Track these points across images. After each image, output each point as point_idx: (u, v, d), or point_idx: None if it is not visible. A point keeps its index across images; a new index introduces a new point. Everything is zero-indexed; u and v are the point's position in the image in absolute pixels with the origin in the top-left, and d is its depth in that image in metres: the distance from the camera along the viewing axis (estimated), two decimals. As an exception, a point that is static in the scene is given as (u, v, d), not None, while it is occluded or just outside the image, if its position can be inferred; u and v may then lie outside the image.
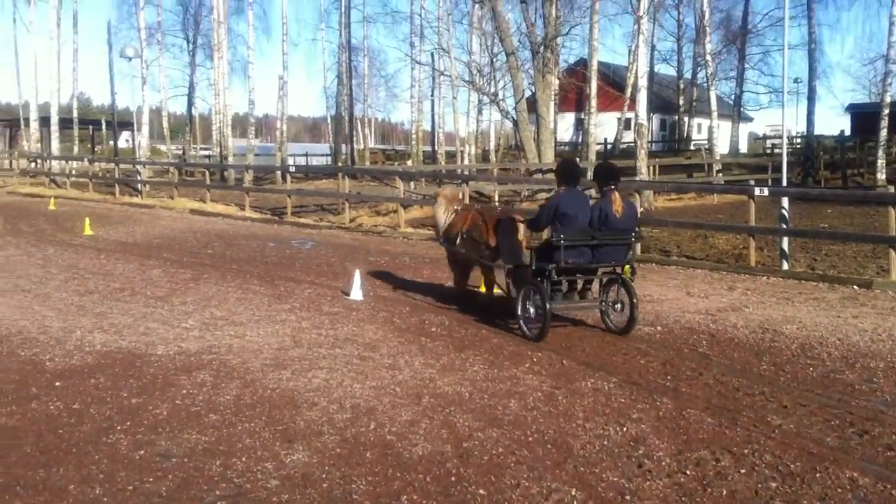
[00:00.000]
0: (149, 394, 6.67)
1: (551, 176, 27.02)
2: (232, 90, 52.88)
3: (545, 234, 9.94)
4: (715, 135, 39.11)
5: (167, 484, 4.97)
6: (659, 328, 9.43)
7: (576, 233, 8.80)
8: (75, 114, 51.52)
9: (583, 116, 54.21)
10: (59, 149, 40.58)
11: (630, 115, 52.62)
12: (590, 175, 10.45)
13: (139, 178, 32.25)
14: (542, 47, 26.21)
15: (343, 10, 48.48)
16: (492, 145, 55.83)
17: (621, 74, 55.94)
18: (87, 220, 19.43)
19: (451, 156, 51.49)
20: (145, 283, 12.10)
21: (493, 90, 29.42)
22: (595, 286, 9.58)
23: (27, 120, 44.68)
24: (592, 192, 10.85)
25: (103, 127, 57.84)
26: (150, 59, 43.66)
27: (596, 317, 9.77)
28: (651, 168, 30.13)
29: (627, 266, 9.17)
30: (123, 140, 71.33)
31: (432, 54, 43.76)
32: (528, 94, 28.59)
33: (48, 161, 38.80)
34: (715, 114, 39.06)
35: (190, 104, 54.51)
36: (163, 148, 63.24)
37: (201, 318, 9.58)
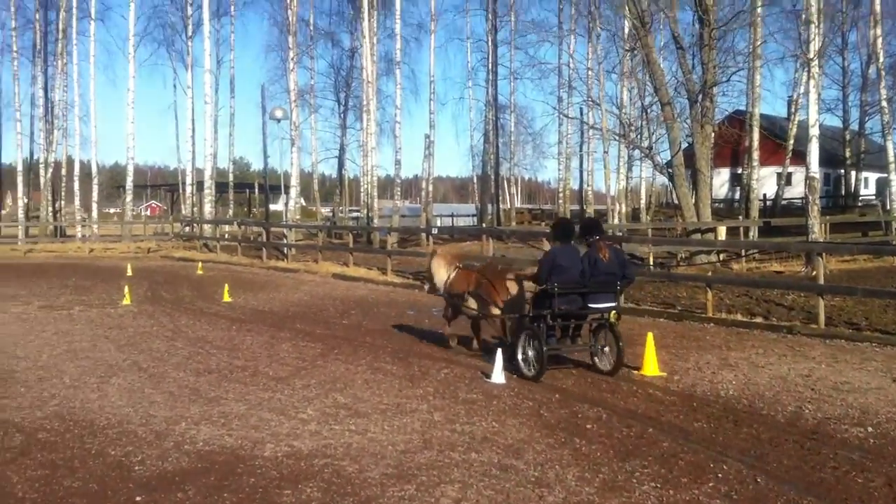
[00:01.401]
0: (242, 516, 5.49)
1: (711, 236, 25.16)
2: (380, 151, 53.09)
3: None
4: (892, 189, 35.82)
5: None
6: (870, 429, 7.60)
7: (567, 282, 9.93)
8: (231, 178, 52.97)
9: (739, 171, 51.40)
10: (211, 212, 41.47)
11: (792, 169, 49.61)
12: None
13: (285, 241, 32.25)
14: (699, 96, 24.41)
15: (490, 66, 48.18)
16: (642, 203, 53.74)
17: (780, 125, 52.91)
18: (227, 287, 19.00)
19: (599, 214, 49.70)
20: (270, 359, 11.15)
21: (646, 144, 27.71)
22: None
23: (184, 185, 46.15)
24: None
25: (256, 190, 59.36)
26: (301, 121, 44.30)
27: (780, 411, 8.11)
28: (822, 226, 27.54)
29: (614, 312, 10.21)
30: (281, 203, 73.32)
31: (580, 108, 42.47)
32: (682, 146, 26.72)
33: (201, 225, 39.63)
34: (893, 166, 35.79)
35: (340, 166, 55.22)
36: (325, 210, 64.38)
37: (322, 407, 8.44)
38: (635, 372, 10.16)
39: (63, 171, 45.36)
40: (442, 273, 12.17)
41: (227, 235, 39.64)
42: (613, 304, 10.29)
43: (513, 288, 10.92)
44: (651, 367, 10.12)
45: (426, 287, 13.34)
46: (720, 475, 6.31)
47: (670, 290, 19.06)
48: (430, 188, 45.78)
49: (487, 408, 8.41)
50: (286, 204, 40.23)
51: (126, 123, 41.81)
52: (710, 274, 17.17)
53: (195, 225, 40.79)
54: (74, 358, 11.14)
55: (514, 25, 49.92)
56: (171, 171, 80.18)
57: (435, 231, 25.91)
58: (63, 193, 46.10)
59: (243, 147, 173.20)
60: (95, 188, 43.92)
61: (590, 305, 10.20)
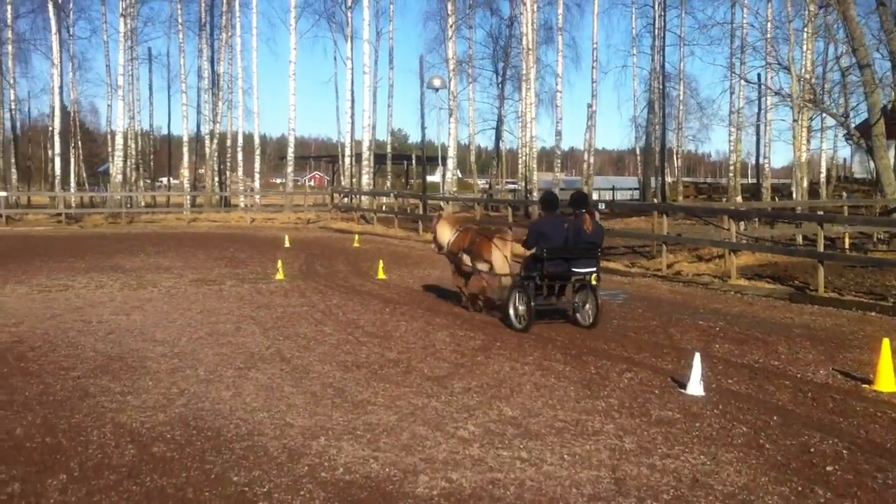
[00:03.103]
0: None
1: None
2: (539, 122, 50.97)
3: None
4: None
5: None
6: None
7: (556, 248, 11.32)
8: (389, 149, 52.59)
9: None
10: (369, 184, 41.03)
11: None
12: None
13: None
14: (905, 57, 21.46)
15: (655, 32, 45.40)
16: (822, 177, 49.54)
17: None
18: (382, 263, 17.98)
19: (774, 190, 46.07)
20: (426, 352, 9.87)
21: (840, 111, 24.79)
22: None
23: (343, 156, 46.05)
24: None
25: (413, 162, 58.93)
26: (458, 91, 43.10)
27: None
28: None
29: (594, 274, 11.50)
30: (438, 175, 72.93)
31: (759, 74, 39.06)
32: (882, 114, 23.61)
33: (359, 196, 39.23)
34: None
35: (497, 138, 53.86)
36: (471, 182, 63.36)
37: (485, 421, 7.03)
38: (867, 387, 8.25)
39: (228, 143, 46.12)
40: (446, 234, 13.57)
41: (384, 207, 39.07)
42: (594, 269, 11.61)
43: (501, 247, 12.28)
44: (888, 381, 8.19)
45: (433, 247, 14.48)
46: None
47: (875, 276, 16.70)
48: (591, 160, 43.64)
49: (689, 432, 6.77)
50: (443, 175, 39.24)
51: (287, 95, 41.93)
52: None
53: (353, 196, 40.50)
54: (215, 343, 10.21)
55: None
56: (334, 144, 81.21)
57: (602, 206, 24.08)
58: (228, 164, 46.95)
59: (401, 119, 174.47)
60: (258, 159, 44.38)
61: (573, 269, 11.55)
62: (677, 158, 55.23)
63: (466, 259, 12.84)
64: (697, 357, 8.16)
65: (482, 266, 12.49)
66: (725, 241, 19.17)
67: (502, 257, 12.24)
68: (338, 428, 6.76)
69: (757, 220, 23.08)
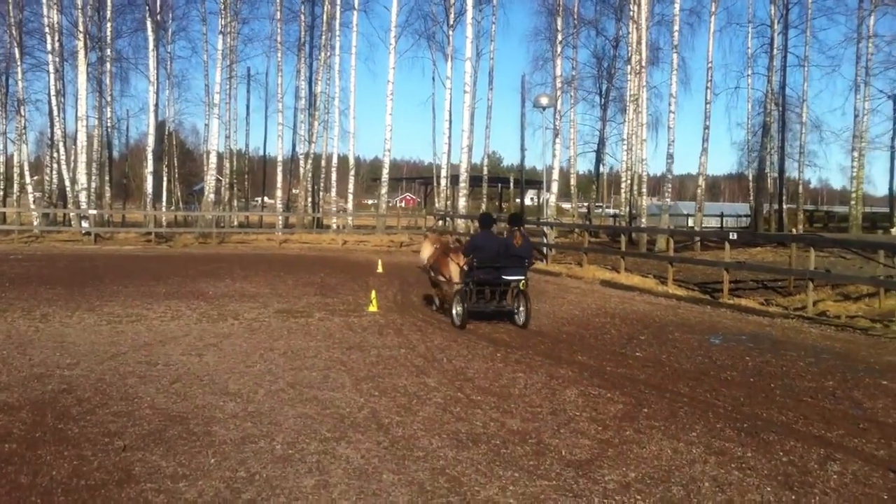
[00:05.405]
0: None
1: None
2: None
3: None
4: None
5: None
6: None
7: (486, 259, 13.64)
8: (485, 171, 50.86)
9: None
10: (465, 207, 39.24)
11: None
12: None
13: (545, 241, 29.07)
14: None
15: (773, 52, 42.53)
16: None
17: None
18: (486, 295, 16.04)
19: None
20: (557, 420, 7.81)
21: None
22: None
23: (439, 178, 44.46)
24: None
25: (511, 185, 57.15)
26: (563, 111, 41.03)
27: None
28: None
29: (523, 282, 13.80)
30: (528, 198, 70.95)
31: (893, 95, 35.94)
32: None
33: (454, 220, 37.49)
34: None
35: (598, 161, 51.54)
36: (566, 206, 61.12)
37: (664, 545, 4.97)
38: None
39: (322, 163, 45.02)
40: (426, 252, 15.62)
41: (480, 231, 37.27)
42: (522, 277, 13.83)
43: (456, 260, 14.15)
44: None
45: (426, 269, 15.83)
46: None
47: None
48: (703, 184, 40.70)
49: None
50: (546, 200, 37.11)
51: (384, 115, 40.58)
52: None
53: (448, 219, 38.78)
54: (297, 399, 8.33)
55: (809, 8, 43.41)
56: (426, 166, 79.85)
57: (733, 236, 21.61)
58: (322, 185, 45.86)
59: (495, 141, 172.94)
60: (352, 180, 43.15)
61: (503, 277, 13.79)
62: (799, 185, 51.68)
63: (433, 273, 15.04)
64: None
65: (442, 278, 14.52)
66: (878, 278, 16.66)
67: (458, 269, 14.03)
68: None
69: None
